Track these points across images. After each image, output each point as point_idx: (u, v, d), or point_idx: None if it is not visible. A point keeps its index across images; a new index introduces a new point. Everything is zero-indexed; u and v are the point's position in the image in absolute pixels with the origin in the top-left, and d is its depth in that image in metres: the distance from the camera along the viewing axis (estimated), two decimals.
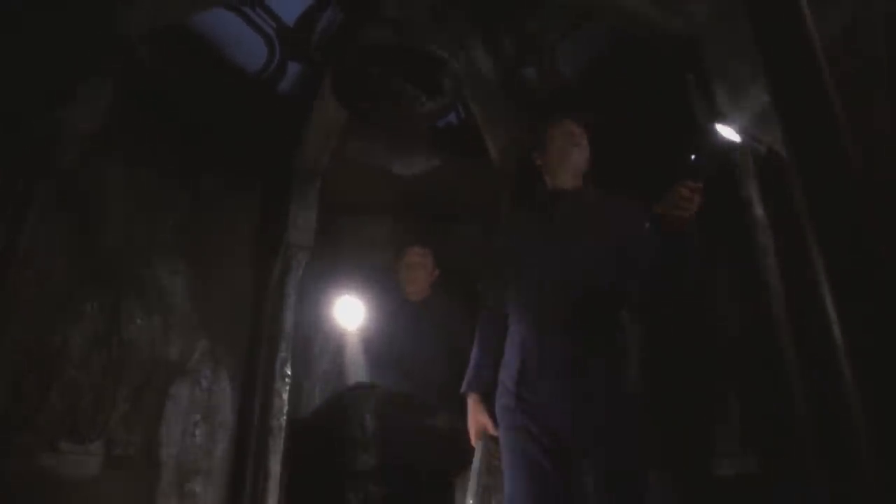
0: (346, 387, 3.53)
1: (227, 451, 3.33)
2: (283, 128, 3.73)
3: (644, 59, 3.00)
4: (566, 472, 1.95)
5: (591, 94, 3.36)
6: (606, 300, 2.08)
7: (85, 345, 2.91)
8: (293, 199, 3.72)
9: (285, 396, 3.46)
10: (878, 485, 1.42)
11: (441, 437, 2.71)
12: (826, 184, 1.44)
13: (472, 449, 2.27)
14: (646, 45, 2.92)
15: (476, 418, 2.26)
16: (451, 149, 4.11)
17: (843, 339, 1.64)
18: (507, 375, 2.12)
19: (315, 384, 3.94)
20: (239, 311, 3.59)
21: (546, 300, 2.07)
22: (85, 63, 2.63)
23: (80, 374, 2.87)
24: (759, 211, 2.34)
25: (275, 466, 3.28)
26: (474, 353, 2.34)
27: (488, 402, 2.23)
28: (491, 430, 2.19)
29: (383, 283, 3.81)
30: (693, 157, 1.73)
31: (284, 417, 3.41)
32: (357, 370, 3.58)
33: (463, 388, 2.31)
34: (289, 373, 3.51)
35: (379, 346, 3.51)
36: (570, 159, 2.27)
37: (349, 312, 3.78)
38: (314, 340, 4.04)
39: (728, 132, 1.77)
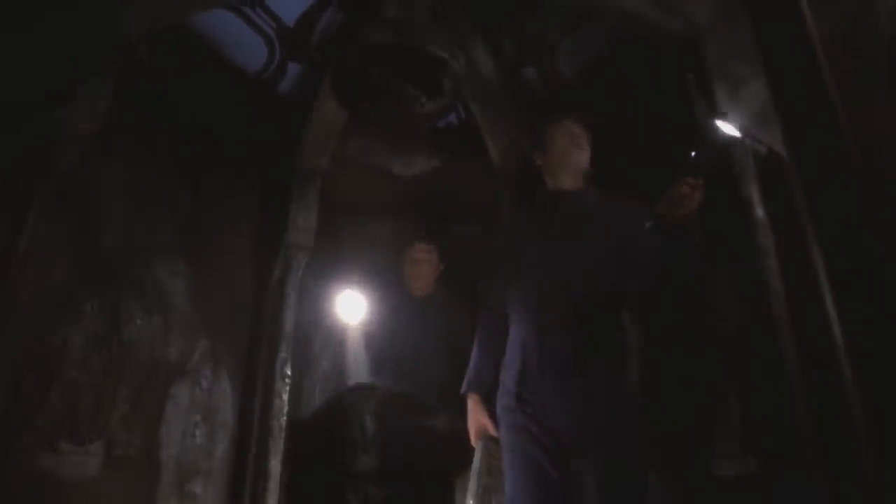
0: (347, 387, 3.54)
1: (227, 451, 3.33)
2: (283, 128, 3.73)
3: (644, 59, 3.00)
4: (567, 473, 1.95)
5: (591, 94, 3.36)
6: (607, 300, 2.08)
7: (85, 345, 2.91)
8: (293, 199, 3.71)
9: (285, 397, 3.46)
10: (878, 485, 1.42)
11: (441, 438, 2.71)
12: (826, 184, 1.44)
13: (473, 449, 2.27)
14: (646, 45, 2.92)
15: (476, 419, 2.26)
16: (451, 149, 4.11)
17: (843, 339, 1.64)
18: (507, 376, 2.12)
19: (315, 384, 3.94)
20: (239, 312, 3.59)
21: (546, 301, 2.07)
22: (85, 63, 2.63)
23: (80, 375, 2.87)
24: (759, 211, 2.34)
25: (275, 467, 3.28)
26: (475, 354, 2.34)
27: (489, 402, 2.23)
28: (491, 430, 2.19)
29: (386, 278, 3.81)
30: (693, 153, 1.73)
31: (284, 418, 3.41)
32: (358, 368, 3.58)
33: (463, 389, 2.31)
34: (289, 373, 3.51)
35: (382, 341, 3.51)
36: (571, 160, 2.27)
37: (351, 307, 3.78)
38: (314, 340, 4.04)
39: (727, 128, 1.77)
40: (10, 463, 2.60)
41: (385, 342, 3.47)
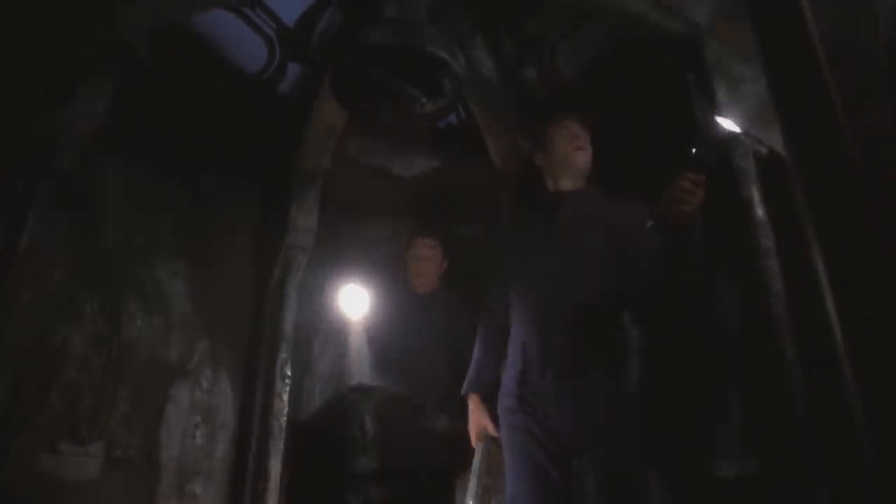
0: (347, 387, 3.53)
1: (227, 452, 3.33)
2: (283, 128, 3.73)
3: (644, 59, 3.00)
4: (567, 474, 1.95)
5: (591, 94, 3.36)
6: (607, 300, 2.08)
7: (85, 345, 2.91)
8: (293, 200, 3.71)
9: (286, 397, 3.45)
10: (878, 485, 1.42)
11: (442, 439, 2.71)
12: (826, 183, 1.44)
13: (473, 450, 2.27)
14: (646, 45, 2.92)
15: (477, 419, 2.26)
16: (451, 149, 4.11)
17: (844, 339, 1.64)
18: (508, 376, 2.12)
19: (315, 384, 3.94)
20: (239, 312, 3.59)
21: (547, 301, 2.08)
22: (85, 63, 2.63)
23: (80, 375, 2.86)
24: (759, 211, 2.34)
25: (275, 468, 3.27)
26: (476, 354, 2.35)
27: (489, 403, 2.23)
28: (492, 431, 2.20)
29: (389, 274, 3.79)
30: (694, 150, 1.73)
31: (285, 418, 3.40)
32: (360, 366, 3.57)
33: (464, 390, 2.32)
34: (289, 373, 3.51)
35: (384, 338, 3.49)
36: (572, 161, 2.27)
37: (353, 303, 3.75)
38: (314, 341, 4.03)
39: (728, 123, 1.77)
40: (9, 463, 2.60)
41: (387, 340, 3.46)
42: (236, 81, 3.54)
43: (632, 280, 2.08)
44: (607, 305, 2.08)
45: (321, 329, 4.05)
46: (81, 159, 2.78)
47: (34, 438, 2.69)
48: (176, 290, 3.35)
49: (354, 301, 3.76)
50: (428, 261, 3.49)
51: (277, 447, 3.32)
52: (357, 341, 3.64)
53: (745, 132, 2.29)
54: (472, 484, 2.19)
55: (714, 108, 2.33)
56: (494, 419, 2.18)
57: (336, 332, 3.94)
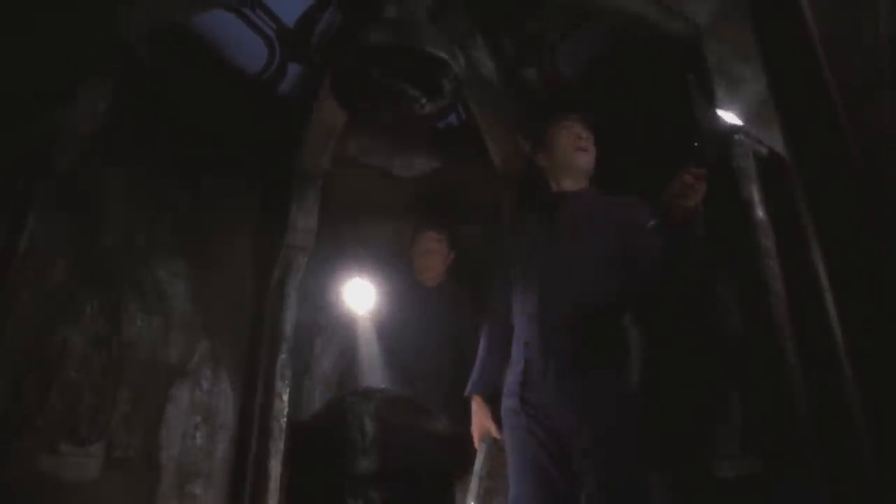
0: (347, 389, 3.53)
1: (227, 452, 3.33)
2: (283, 129, 3.73)
3: (644, 59, 3.00)
4: (569, 475, 1.95)
5: (591, 94, 3.36)
6: (609, 300, 2.08)
7: (85, 345, 2.90)
8: (293, 200, 3.71)
9: (286, 398, 3.45)
10: (878, 485, 1.42)
11: (442, 440, 2.71)
12: (826, 183, 1.44)
13: (474, 451, 2.27)
14: (646, 45, 2.92)
15: (480, 420, 2.26)
16: (451, 150, 4.11)
17: (844, 340, 1.64)
18: (511, 376, 2.12)
19: (316, 385, 3.93)
20: (239, 312, 3.59)
21: (549, 301, 2.08)
22: (85, 63, 2.63)
23: (80, 375, 2.86)
24: (759, 212, 2.34)
25: (275, 468, 3.27)
26: (479, 355, 2.35)
27: (492, 404, 2.23)
28: (494, 432, 2.19)
29: (394, 267, 3.77)
30: (695, 144, 1.73)
31: (285, 419, 3.40)
32: (366, 362, 3.54)
33: (468, 390, 2.32)
34: (289, 374, 3.51)
35: (389, 332, 3.47)
36: (574, 162, 2.27)
37: (358, 297, 3.71)
38: (315, 341, 4.03)
39: (728, 116, 1.77)
40: (9, 464, 2.60)
41: (392, 333, 3.45)
42: (236, 81, 3.54)
43: (633, 280, 2.08)
44: (609, 305, 2.08)
45: (322, 329, 4.05)
46: (81, 159, 2.78)
47: (34, 439, 2.68)
48: (176, 290, 3.35)
49: (360, 296, 3.73)
50: (434, 254, 3.48)
51: (277, 448, 3.32)
52: (363, 336, 3.60)
53: (745, 132, 2.29)
54: (474, 485, 2.19)
55: (714, 106, 2.33)
56: (497, 420, 2.18)
57: (340, 329, 3.92)
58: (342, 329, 3.89)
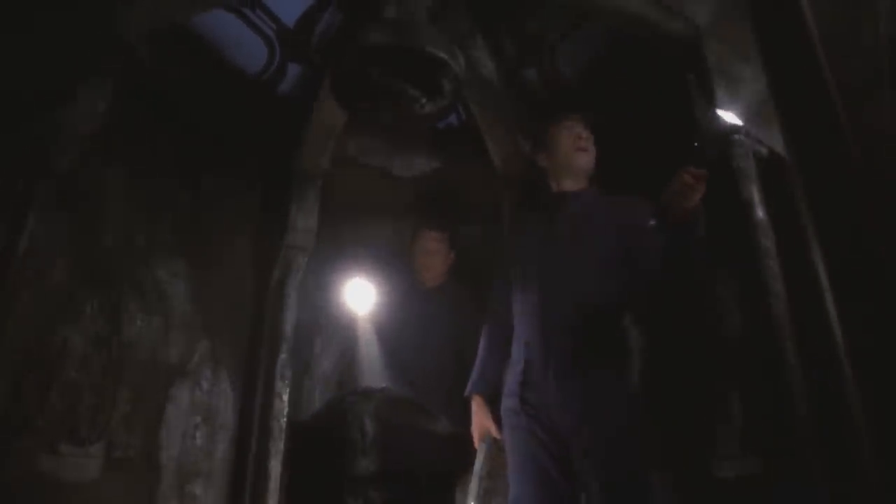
0: (347, 389, 3.53)
1: (227, 452, 3.33)
2: (283, 129, 3.73)
3: (644, 59, 3.00)
4: (570, 475, 1.95)
5: (591, 94, 3.36)
6: (609, 300, 2.08)
7: (85, 345, 2.90)
8: (293, 200, 3.71)
9: (286, 398, 3.45)
10: (878, 485, 1.42)
11: (442, 441, 2.70)
12: (826, 183, 1.44)
13: (474, 451, 2.27)
14: (646, 45, 2.92)
15: (480, 420, 2.26)
16: (451, 150, 4.11)
17: (844, 339, 1.64)
18: (511, 376, 2.12)
19: (316, 385, 3.93)
20: (239, 312, 3.59)
21: (549, 301, 2.08)
22: (85, 63, 2.63)
23: (81, 375, 2.86)
24: (759, 212, 2.34)
25: (275, 468, 3.27)
26: (479, 355, 2.35)
27: (492, 404, 2.23)
28: (494, 432, 2.19)
29: (395, 267, 3.77)
30: (695, 144, 1.73)
31: (285, 419, 3.40)
32: (366, 361, 3.54)
33: (468, 390, 2.32)
34: (289, 374, 3.51)
35: (389, 333, 3.47)
36: (575, 162, 2.27)
37: (358, 297, 3.70)
38: (315, 341, 4.03)
39: (728, 116, 1.78)
40: (9, 464, 2.59)
41: (392, 333, 3.44)
42: (236, 81, 3.54)
43: (634, 280, 2.08)
44: (609, 305, 2.08)
45: (322, 329, 4.05)
46: (81, 159, 2.78)
47: (34, 439, 2.68)
48: (176, 290, 3.34)
49: (360, 296, 3.73)
50: (435, 254, 3.47)
51: (277, 448, 3.31)
52: (363, 336, 3.60)
53: (745, 132, 2.29)
54: (474, 485, 2.19)
55: (714, 106, 2.33)
56: (497, 420, 2.18)
57: (340, 329, 3.92)
58: (342, 329, 3.89)
